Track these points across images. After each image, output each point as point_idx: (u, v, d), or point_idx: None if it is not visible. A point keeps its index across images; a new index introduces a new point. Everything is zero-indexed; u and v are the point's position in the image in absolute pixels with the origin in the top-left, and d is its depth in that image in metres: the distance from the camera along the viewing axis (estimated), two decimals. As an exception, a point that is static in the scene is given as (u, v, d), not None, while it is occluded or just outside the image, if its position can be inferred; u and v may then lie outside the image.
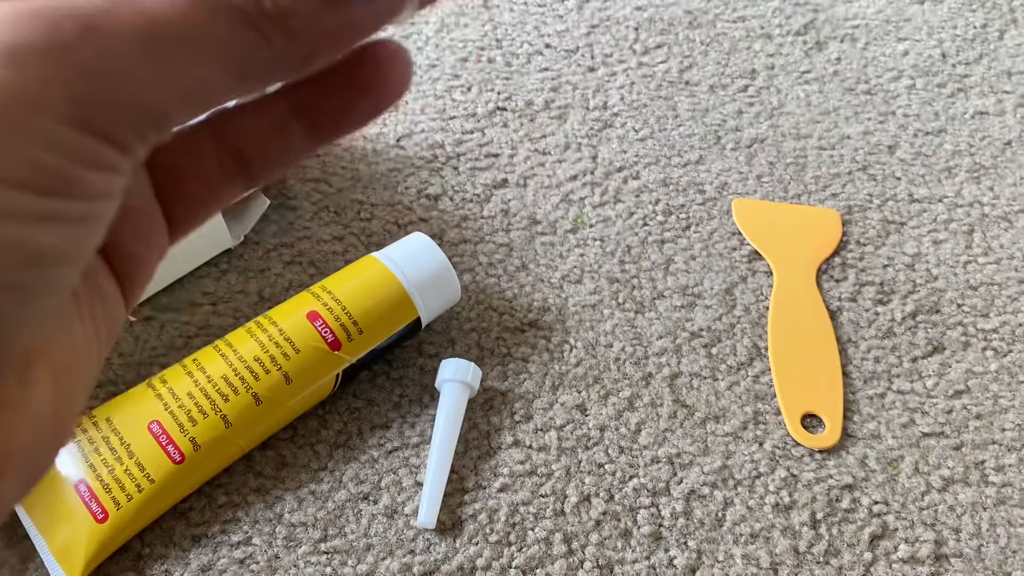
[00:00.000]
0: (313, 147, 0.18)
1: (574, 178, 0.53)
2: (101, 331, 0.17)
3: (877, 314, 0.48)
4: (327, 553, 0.37)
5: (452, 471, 0.40)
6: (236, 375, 0.38)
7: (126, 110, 0.13)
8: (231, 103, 0.17)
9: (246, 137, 0.17)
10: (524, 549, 0.38)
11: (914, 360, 0.46)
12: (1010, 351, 0.47)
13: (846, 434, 0.43)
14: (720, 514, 0.40)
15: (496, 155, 0.54)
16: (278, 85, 0.17)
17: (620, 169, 0.54)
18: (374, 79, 0.17)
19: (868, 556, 0.39)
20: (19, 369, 0.14)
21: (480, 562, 0.38)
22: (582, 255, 0.49)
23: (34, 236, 0.13)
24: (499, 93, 0.57)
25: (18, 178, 0.12)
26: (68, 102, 0.13)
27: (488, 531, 0.39)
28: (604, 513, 0.40)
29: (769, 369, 0.45)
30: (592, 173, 0.53)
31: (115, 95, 0.13)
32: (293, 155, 0.18)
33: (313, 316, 0.40)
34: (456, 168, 0.53)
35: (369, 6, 0.15)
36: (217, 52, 0.14)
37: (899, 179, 0.55)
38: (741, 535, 0.39)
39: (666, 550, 0.39)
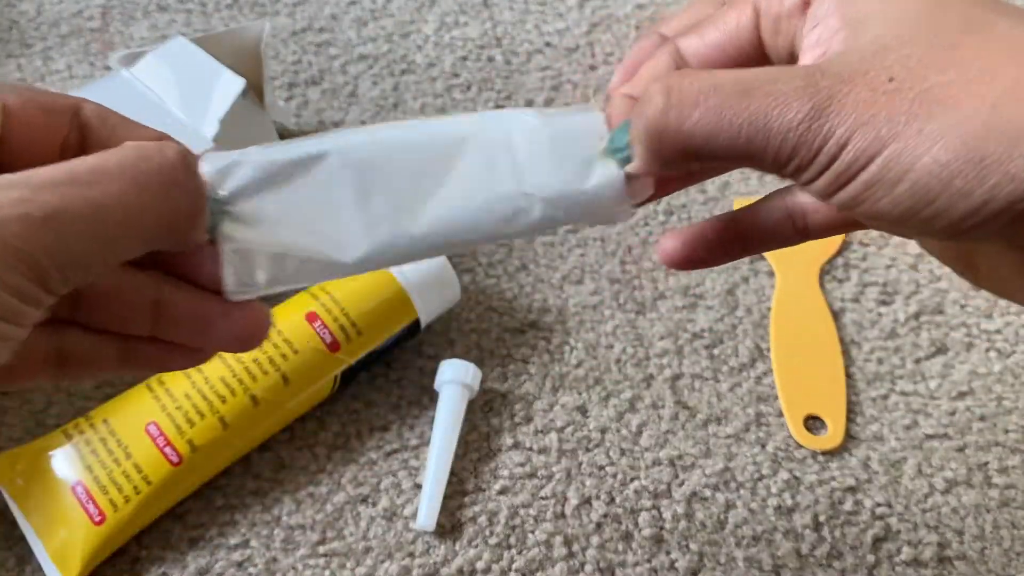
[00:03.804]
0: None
1: (575, 178, 0.53)
2: None
3: (880, 315, 0.48)
4: (325, 556, 0.37)
5: (452, 473, 0.40)
6: (234, 376, 0.38)
7: (63, 267, 0.19)
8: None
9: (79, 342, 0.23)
10: (524, 552, 0.38)
11: (917, 361, 0.46)
12: (1014, 352, 0.47)
13: (849, 436, 0.43)
14: (722, 516, 0.40)
15: (496, 154, 0.54)
16: None
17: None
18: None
19: (871, 559, 0.39)
20: None
21: (480, 565, 0.37)
22: (582, 255, 0.49)
23: None
24: (499, 92, 0.57)
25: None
26: (16, 252, 0.18)
27: (488, 534, 0.38)
28: (605, 515, 0.39)
29: (771, 370, 0.45)
30: (593, 173, 0.53)
31: (58, 259, 0.19)
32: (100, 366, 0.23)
33: (312, 317, 0.40)
34: (456, 167, 0.52)
35: None
36: (138, 225, 0.20)
37: (902, 179, 0.55)
38: (743, 538, 0.39)
39: (668, 553, 0.38)
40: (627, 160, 0.23)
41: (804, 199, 0.27)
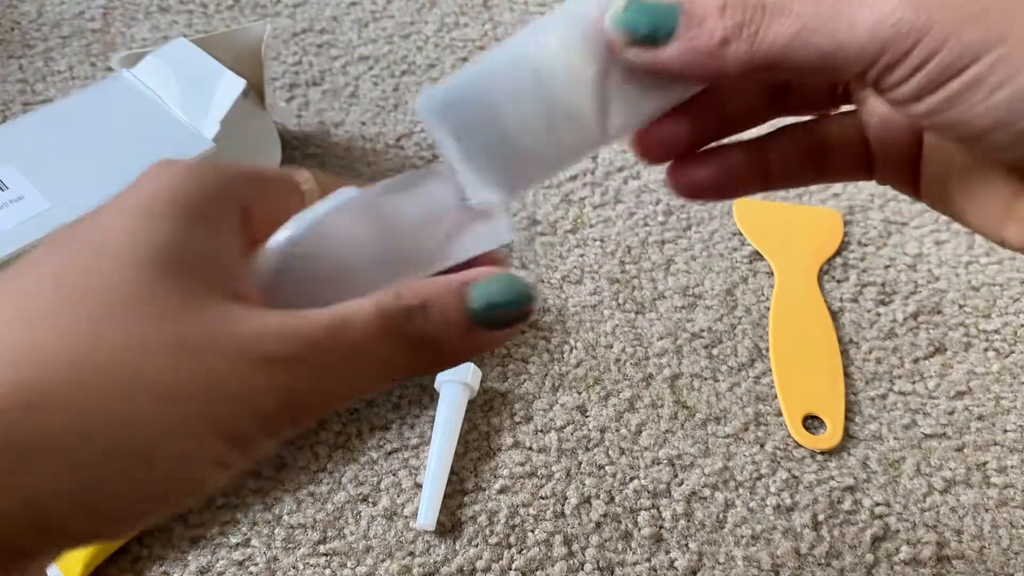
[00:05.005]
0: None
1: (574, 178, 0.53)
2: None
3: (879, 315, 0.48)
4: (326, 555, 0.37)
5: (452, 472, 0.40)
6: (235, 376, 0.38)
7: (317, 404, 0.19)
8: None
9: None
10: (524, 551, 0.38)
11: (916, 361, 0.46)
12: (1012, 352, 0.47)
13: (847, 435, 0.43)
14: (721, 516, 0.40)
15: (496, 155, 0.54)
16: None
17: (620, 169, 0.54)
18: None
19: (870, 558, 0.39)
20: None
21: (480, 564, 0.38)
22: (582, 255, 0.49)
23: (210, 473, 0.18)
24: (499, 93, 0.57)
25: (228, 435, 0.18)
26: (285, 404, 0.18)
27: (488, 533, 0.38)
28: (605, 515, 0.39)
29: (770, 370, 0.45)
30: (592, 173, 0.53)
31: (317, 394, 0.19)
32: None
33: (312, 317, 0.40)
34: (456, 168, 0.53)
35: (493, 338, 0.21)
36: (385, 366, 0.19)
37: (900, 179, 0.55)
38: (742, 537, 0.39)
39: (667, 552, 0.39)
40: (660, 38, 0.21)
41: (830, 135, 0.26)
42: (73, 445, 0.16)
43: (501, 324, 0.20)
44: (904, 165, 0.25)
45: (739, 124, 0.26)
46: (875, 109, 0.26)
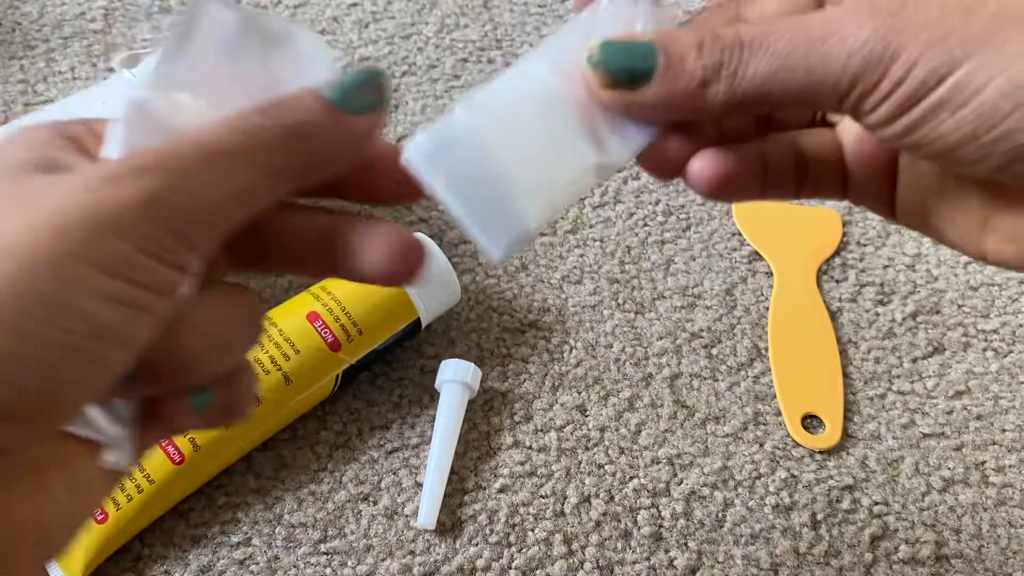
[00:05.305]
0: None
1: (574, 178, 0.53)
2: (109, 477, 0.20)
3: (877, 315, 0.48)
4: (327, 554, 0.37)
5: (452, 472, 0.40)
6: (236, 376, 0.38)
7: (192, 212, 0.17)
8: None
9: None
10: (524, 550, 0.38)
11: (914, 361, 0.46)
12: (1010, 352, 0.47)
13: (846, 435, 0.43)
14: (720, 515, 0.40)
15: (496, 155, 0.54)
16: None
17: (620, 169, 0.54)
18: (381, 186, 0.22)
19: (869, 557, 0.39)
20: (57, 440, 0.18)
21: (480, 563, 0.38)
22: (582, 256, 0.49)
23: (101, 311, 0.16)
24: (499, 93, 0.57)
25: (97, 260, 0.16)
26: (144, 204, 0.17)
27: (488, 532, 0.39)
28: (604, 514, 0.40)
29: (769, 370, 0.45)
30: (592, 173, 0.53)
31: (184, 199, 0.17)
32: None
33: (313, 317, 0.40)
34: (456, 168, 0.53)
35: (361, 120, 0.20)
36: (256, 163, 0.18)
37: (899, 180, 0.55)
38: (741, 536, 0.39)
39: (666, 551, 0.39)
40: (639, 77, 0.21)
41: (808, 150, 0.26)
42: None
43: (360, 104, 0.20)
44: (879, 184, 0.26)
45: (734, 142, 0.26)
46: (850, 129, 0.26)
